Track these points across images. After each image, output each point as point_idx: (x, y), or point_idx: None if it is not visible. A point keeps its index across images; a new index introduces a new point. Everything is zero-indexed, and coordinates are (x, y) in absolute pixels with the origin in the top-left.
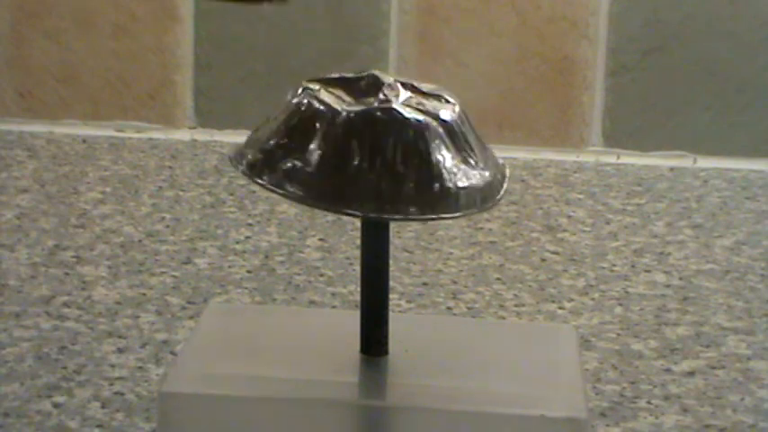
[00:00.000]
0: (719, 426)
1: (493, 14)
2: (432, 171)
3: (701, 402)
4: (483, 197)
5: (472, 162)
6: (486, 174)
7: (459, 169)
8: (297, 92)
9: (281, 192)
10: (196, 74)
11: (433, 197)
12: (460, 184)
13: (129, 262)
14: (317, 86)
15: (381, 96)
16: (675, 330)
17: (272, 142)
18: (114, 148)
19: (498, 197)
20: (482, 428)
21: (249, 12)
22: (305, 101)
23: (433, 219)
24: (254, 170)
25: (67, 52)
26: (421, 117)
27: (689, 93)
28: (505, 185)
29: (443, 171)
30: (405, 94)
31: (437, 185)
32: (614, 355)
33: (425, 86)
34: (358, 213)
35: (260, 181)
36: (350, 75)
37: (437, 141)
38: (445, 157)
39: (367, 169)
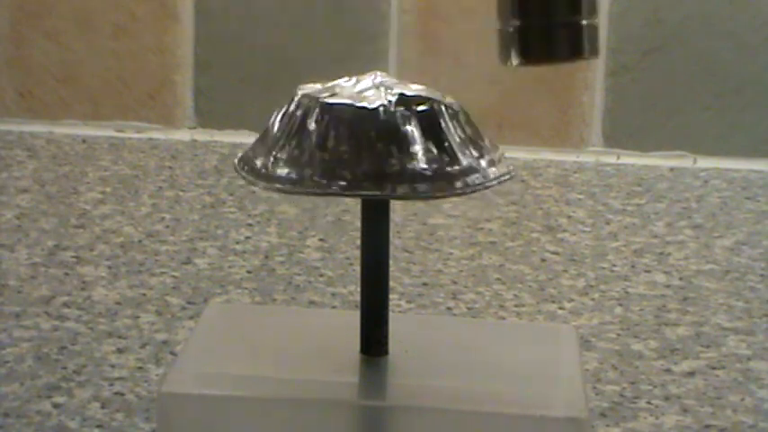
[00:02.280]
0: (720, 426)
1: (493, 14)
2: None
3: (701, 403)
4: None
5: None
6: (453, 166)
7: (417, 154)
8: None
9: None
10: (196, 74)
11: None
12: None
13: (129, 262)
14: (312, 87)
15: (363, 94)
16: (675, 330)
17: (265, 141)
18: (114, 148)
19: (457, 189)
20: (482, 428)
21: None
22: (295, 99)
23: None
24: (254, 175)
25: (67, 52)
26: (394, 108)
27: (689, 93)
28: (473, 179)
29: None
30: (387, 90)
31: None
32: (614, 356)
33: (416, 88)
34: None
35: (253, 181)
36: (348, 78)
37: (405, 128)
38: (408, 143)
39: (330, 151)
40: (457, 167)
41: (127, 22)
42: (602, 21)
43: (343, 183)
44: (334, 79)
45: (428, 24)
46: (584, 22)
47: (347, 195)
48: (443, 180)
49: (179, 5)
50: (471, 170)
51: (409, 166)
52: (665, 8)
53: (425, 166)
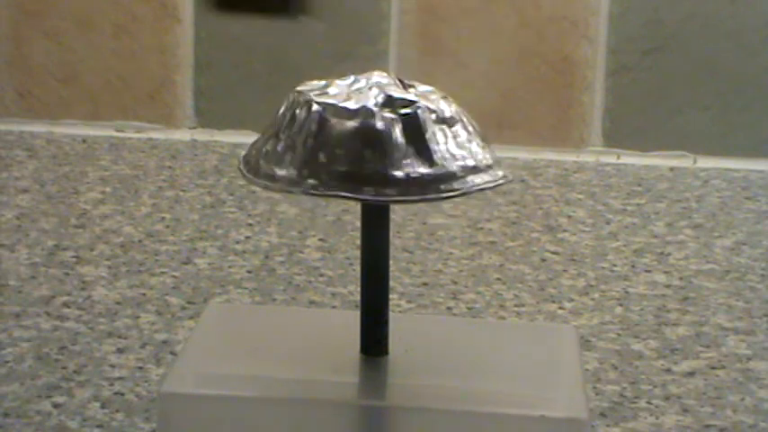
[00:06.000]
0: (719, 426)
1: (493, 14)
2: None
3: (701, 402)
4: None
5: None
6: (440, 170)
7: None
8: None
9: (259, 184)
10: (196, 74)
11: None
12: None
13: (129, 262)
14: (313, 85)
15: (360, 95)
16: (675, 330)
17: (260, 139)
18: (114, 148)
19: (447, 194)
20: (482, 428)
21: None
22: (292, 97)
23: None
24: (249, 170)
25: (67, 52)
26: (388, 114)
27: (689, 93)
28: (464, 185)
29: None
30: (386, 92)
31: (382, 170)
32: (614, 356)
33: (420, 89)
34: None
35: (250, 177)
36: (350, 77)
37: (385, 131)
38: (395, 147)
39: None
40: (433, 173)
41: (127, 22)
42: (602, 21)
43: (314, 182)
44: (334, 78)
45: (428, 24)
46: None
47: (317, 195)
48: (416, 185)
49: (179, 5)
50: (449, 177)
51: (382, 168)
52: (665, 8)
53: (400, 170)
